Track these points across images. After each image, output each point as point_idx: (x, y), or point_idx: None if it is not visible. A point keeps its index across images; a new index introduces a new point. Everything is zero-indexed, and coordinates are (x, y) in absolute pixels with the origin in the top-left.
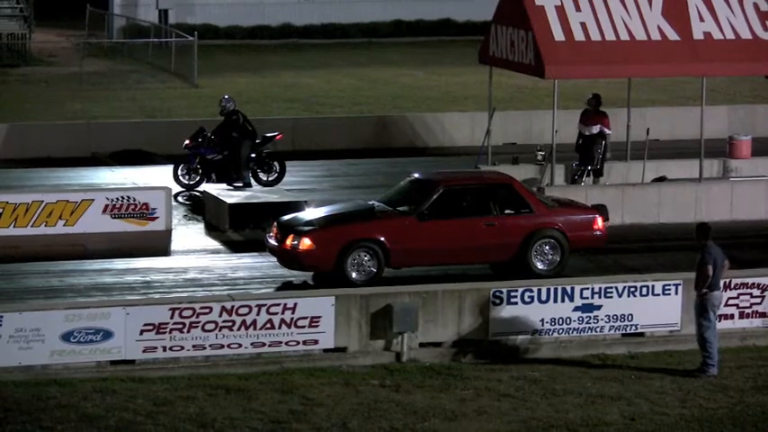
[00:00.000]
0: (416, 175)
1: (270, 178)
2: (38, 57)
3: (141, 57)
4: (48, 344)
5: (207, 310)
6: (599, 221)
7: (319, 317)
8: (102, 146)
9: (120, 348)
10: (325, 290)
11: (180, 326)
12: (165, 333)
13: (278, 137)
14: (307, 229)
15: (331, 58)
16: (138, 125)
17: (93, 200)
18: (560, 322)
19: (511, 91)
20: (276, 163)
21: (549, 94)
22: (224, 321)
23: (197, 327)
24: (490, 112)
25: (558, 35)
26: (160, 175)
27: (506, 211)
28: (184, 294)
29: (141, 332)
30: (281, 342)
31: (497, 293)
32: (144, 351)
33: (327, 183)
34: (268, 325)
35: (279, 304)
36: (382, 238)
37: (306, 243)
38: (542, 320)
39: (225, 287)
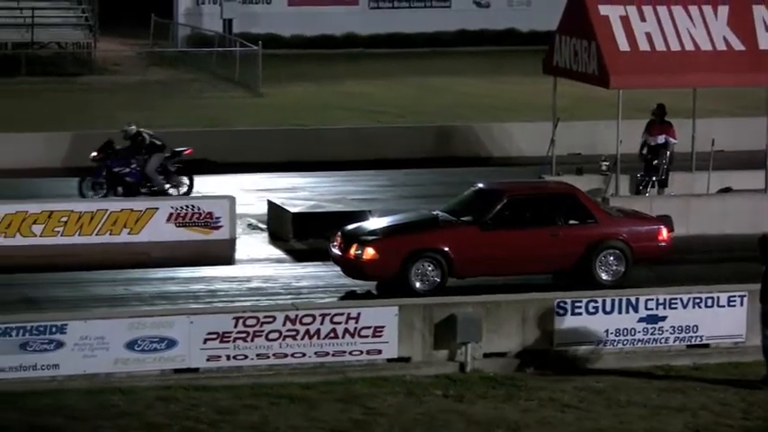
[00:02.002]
0: (480, 185)
1: (178, 193)
2: (102, 66)
3: (205, 66)
4: (112, 352)
5: (270, 319)
6: (664, 232)
7: (383, 326)
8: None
9: (184, 357)
10: (389, 299)
11: (243, 335)
12: (228, 342)
13: (187, 152)
14: (370, 238)
15: (394, 68)
16: (202, 134)
17: (157, 208)
18: (625, 333)
19: (575, 101)
20: (185, 177)
21: (614, 105)
22: (287, 330)
23: (260, 336)
24: (554, 122)
25: (623, 45)
26: (224, 185)
27: (570, 222)
28: (248, 303)
29: (205, 341)
30: (344, 351)
31: (561, 304)
32: (208, 360)
33: (390, 192)
34: (331, 334)
35: (342, 314)
36: (446, 248)
37: (369, 252)
38: (606, 331)
39: (288, 296)
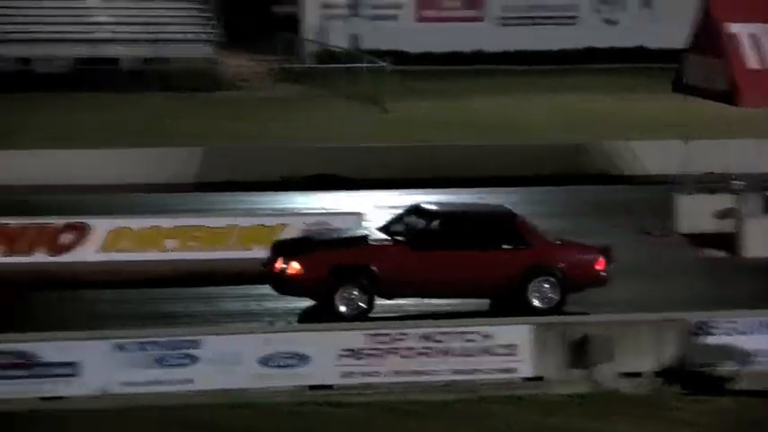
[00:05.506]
0: (417, 204)
1: None
2: (230, 81)
3: (332, 82)
4: (246, 367)
5: (404, 337)
6: (601, 261)
7: (516, 345)
8: (295, 170)
9: (318, 373)
10: (523, 318)
11: (377, 352)
12: (362, 359)
13: None
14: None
15: (522, 84)
16: (329, 150)
17: (288, 224)
18: (762, 354)
19: (705, 119)
20: None
21: (745, 123)
22: (421, 348)
23: (394, 353)
24: (684, 140)
25: (754, 63)
26: (352, 201)
27: (504, 246)
28: (382, 320)
29: (339, 357)
30: (477, 370)
31: (698, 324)
32: (341, 376)
33: (520, 210)
34: (465, 352)
35: (476, 332)
36: (372, 266)
37: (294, 267)
38: (743, 352)
39: (421, 314)
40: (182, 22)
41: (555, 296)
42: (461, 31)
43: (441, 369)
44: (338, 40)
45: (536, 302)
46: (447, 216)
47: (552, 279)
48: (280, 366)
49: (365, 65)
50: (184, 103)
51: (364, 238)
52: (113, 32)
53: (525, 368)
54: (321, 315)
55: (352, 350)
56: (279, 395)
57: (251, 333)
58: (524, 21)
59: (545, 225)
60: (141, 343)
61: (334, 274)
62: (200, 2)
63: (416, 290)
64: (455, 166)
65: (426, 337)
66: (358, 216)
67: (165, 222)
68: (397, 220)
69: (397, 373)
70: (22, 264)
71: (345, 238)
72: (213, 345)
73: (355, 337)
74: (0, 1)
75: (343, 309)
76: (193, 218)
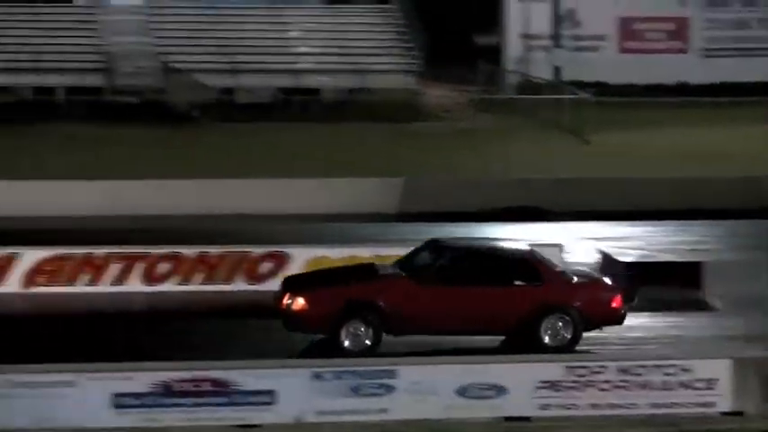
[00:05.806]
0: (434, 239)
1: None
2: (431, 112)
3: (534, 113)
4: (442, 398)
5: (602, 369)
6: (618, 299)
7: (716, 380)
8: (494, 201)
9: (515, 405)
10: (722, 352)
11: (575, 384)
12: (560, 391)
13: None
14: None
15: (726, 116)
16: (530, 182)
17: None
18: None
19: None
20: None
21: None
22: (620, 381)
23: (592, 386)
24: None
25: None
26: (552, 233)
27: (516, 282)
28: (580, 352)
29: (536, 389)
30: (676, 404)
31: None
32: (539, 408)
33: (725, 243)
34: (664, 386)
35: (675, 365)
36: (380, 302)
37: (299, 303)
38: None
39: (621, 346)
40: (383, 52)
41: (567, 334)
42: (665, 62)
43: (639, 403)
44: (540, 70)
45: (547, 340)
46: (456, 251)
47: (566, 317)
48: (477, 397)
49: (568, 96)
50: (385, 133)
51: (374, 273)
52: (316, 63)
53: (724, 402)
54: (327, 350)
55: (551, 382)
56: (475, 426)
57: (448, 363)
58: (729, 52)
59: (748, 258)
60: (338, 372)
61: (339, 309)
62: (402, 32)
63: (425, 327)
64: (657, 199)
65: (625, 371)
66: (558, 248)
67: (364, 252)
68: (414, 254)
69: (594, 406)
70: (221, 292)
71: (354, 274)
72: (409, 375)
73: (554, 369)
74: (203, 32)
75: (348, 344)
76: (391, 247)
